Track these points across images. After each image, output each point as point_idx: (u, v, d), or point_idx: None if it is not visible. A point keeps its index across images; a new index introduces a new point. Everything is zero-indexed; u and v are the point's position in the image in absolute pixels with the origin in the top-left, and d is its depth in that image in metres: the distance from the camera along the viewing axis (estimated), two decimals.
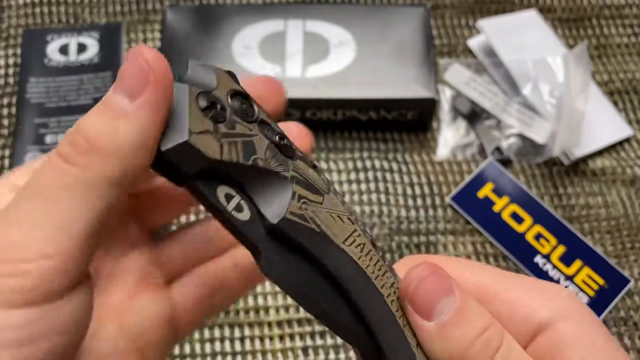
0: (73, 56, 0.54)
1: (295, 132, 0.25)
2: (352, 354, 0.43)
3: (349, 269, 0.20)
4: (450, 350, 0.20)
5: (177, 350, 0.43)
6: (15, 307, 0.17)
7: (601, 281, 0.46)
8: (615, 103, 0.55)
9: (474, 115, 0.53)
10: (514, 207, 0.49)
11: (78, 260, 0.18)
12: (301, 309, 0.44)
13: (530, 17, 0.58)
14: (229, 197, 0.19)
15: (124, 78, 0.18)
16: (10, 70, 0.54)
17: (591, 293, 0.46)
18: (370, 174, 0.50)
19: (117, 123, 0.18)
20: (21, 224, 0.18)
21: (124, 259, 0.24)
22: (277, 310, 0.45)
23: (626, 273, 0.47)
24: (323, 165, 0.51)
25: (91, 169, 0.18)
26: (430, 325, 0.20)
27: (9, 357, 0.17)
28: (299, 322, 0.44)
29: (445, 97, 0.54)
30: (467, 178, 0.50)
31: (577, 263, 0.47)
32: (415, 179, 0.51)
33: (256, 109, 0.20)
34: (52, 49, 0.54)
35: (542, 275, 0.47)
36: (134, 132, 0.18)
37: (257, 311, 0.44)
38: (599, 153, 0.52)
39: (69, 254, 0.18)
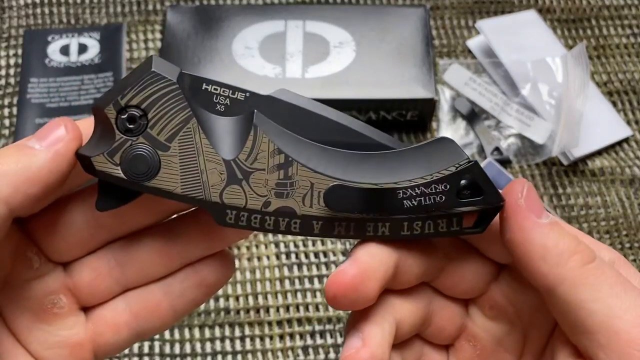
0: (74, 57, 0.54)
1: None
2: None
3: None
4: (565, 242, 0.22)
5: (177, 350, 0.43)
6: None
7: None
8: (614, 103, 0.55)
9: (473, 116, 0.53)
10: None
11: None
12: (302, 308, 0.45)
13: (529, 18, 0.58)
14: None
15: (41, 131, 0.22)
16: (12, 71, 0.54)
17: None
18: None
19: (22, 155, 0.21)
20: None
21: (25, 289, 0.24)
22: (277, 310, 0.45)
23: None
24: None
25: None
26: (545, 221, 0.23)
27: None
28: (299, 321, 0.44)
29: (445, 98, 0.54)
30: None
31: None
32: None
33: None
34: (53, 50, 0.54)
35: None
36: (33, 165, 0.21)
37: (257, 310, 0.45)
38: (598, 153, 0.52)
39: None
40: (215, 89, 0.22)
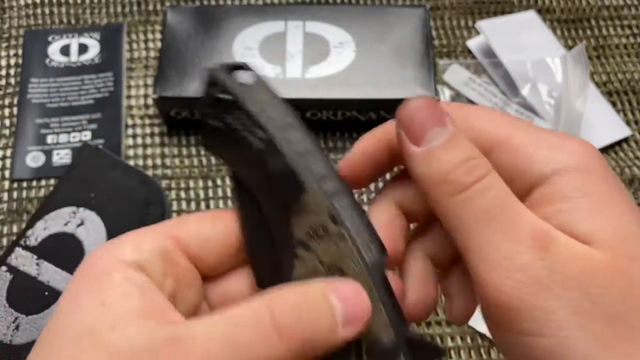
0: (74, 57, 0.54)
1: None
2: None
3: None
4: (432, 173, 0.21)
5: None
6: None
7: None
8: (613, 103, 0.55)
9: None
10: None
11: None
12: None
13: (529, 18, 0.58)
14: None
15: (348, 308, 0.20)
16: (12, 71, 0.54)
17: None
18: None
19: (315, 320, 0.20)
20: None
21: None
22: None
23: None
24: None
25: (294, 353, 0.19)
26: (419, 150, 0.22)
27: None
28: None
29: (445, 98, 0.54)
30: None
31: None
32: None
33: None
34: (54, 50, 0.54)
35: None
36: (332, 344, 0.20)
37: None
38: None
39: None
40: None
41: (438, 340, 0.44)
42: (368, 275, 0.21)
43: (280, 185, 0.22)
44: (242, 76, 0.22)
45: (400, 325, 0.21)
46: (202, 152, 0.51)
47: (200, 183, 0.50)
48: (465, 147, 0.22)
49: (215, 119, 0.22)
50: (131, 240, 0.22)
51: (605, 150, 0.52)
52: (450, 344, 0.44)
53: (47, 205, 0.46)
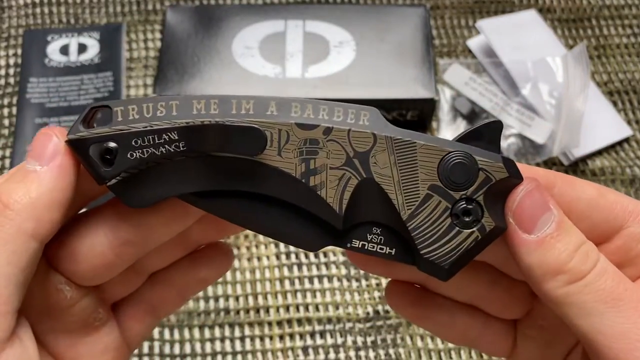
0: (73, 56, 0.54)
1: None
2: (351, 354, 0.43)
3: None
4: (549, 262, 0.21)
5: (177, 350, 0.43)
6: None
7: None
8: (614, 103, 0.55)
9: (473, 115, 0.53)
10: None
11: (9, 308, 0.20)
12: (302, 308, 0.45)
13: (529, 17, 0.58)
14: None
15: (34, 149, 0.21)
16: (11, 71, 0.54)
17: None
18: None
19: (29, 182, 0.20)
20: None
21: (65, 315, 0.24)
22: (277, 310, 0.45)
23: None
24: None
25: (5, 225, 0.20)
26: (532, 237, 0.21)
27: None
28: (299, 321, 0.44)
29: (445, 97, 0.54)
30: None
31: None
32: None
33: None
34: (53, 49, 0.54)
35: None
36: (44, 189, 0.20)
37: (257, 311, 0.45)
38: (599, 153, 0.52)
39: None
40: None
41: (438, 341, 0.44)
42: (370, 130, 0.23)
43: (235, 150, 0.21)
44: (96, 116, 0.21)
45: (445, 141, 0.22)
46: None
47: None
48: (575, 232, 0.22)
49: (122, 173, 0.21)
50: None
51: (606, 150, 0.52)
52: (450, 344, 0.44)
53: None
